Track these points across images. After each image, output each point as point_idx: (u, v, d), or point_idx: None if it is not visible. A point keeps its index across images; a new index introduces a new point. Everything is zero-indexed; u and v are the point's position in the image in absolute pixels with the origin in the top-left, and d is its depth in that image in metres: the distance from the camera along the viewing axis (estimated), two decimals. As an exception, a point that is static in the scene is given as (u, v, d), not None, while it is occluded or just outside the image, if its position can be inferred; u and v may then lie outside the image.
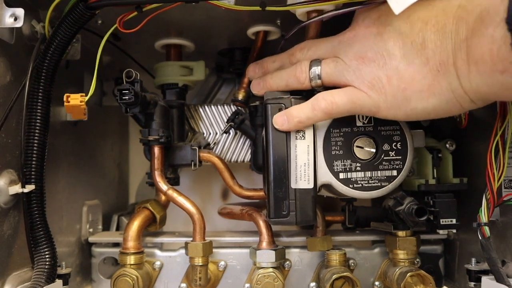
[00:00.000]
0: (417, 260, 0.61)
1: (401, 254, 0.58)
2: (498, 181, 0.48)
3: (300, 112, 0.48)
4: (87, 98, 0.48)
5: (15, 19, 0.46)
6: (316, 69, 0.48)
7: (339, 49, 0.46)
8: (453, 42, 0.38)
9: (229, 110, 0.70)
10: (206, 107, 0.70)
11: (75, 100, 0.48)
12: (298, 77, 0.49)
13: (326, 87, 0.48)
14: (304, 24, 0.51)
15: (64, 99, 0.48)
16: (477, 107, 0.40)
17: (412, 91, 0.41)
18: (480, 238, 0.48)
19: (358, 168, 0.50)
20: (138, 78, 0.55)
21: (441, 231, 0.56)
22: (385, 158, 0.51)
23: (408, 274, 0.55)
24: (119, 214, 0.77)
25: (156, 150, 0.60)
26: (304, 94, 0.51)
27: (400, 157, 0.51)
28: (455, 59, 0.38)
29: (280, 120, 0.49)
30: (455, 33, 0.37)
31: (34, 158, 0.48)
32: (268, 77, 0.53)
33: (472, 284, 0.53)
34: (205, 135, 0.70)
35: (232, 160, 0.69)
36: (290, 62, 0.52)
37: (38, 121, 0.48)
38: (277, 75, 0.52)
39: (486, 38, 0.34)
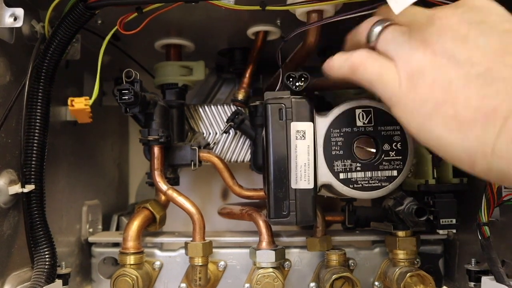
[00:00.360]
0: (417, 260, 0.61)
1: (401, 254, 0.58)
2: (498, 181, 0.48)
3: (337, 58, 0.42)
4: (91, 101, 0.48)
5: (15, 19, 0.46)
6: (377, 29, 0.39)
7: (414, 23, 0.38)
8: None
9: (229, 110, 0.70)
10: (206, 107, 0.70)
11: (80, 104, 0.48)
12: (360, 32, 0.42)
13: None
14: (303, 28, 0.51)
15: (69, 103, 0.48)
16: (487, 179, 0.34)
17: (443, 111, 0.34)
18: (480, 238, 0.48)
19: (358, 168, 0.50)
20: (138, 78, 0.55)
21: (441, 231, 0.56)
22: (385, 158, 0.50)
23: (408, 274, 0.55)
24: (119, 214, 0.77)
25: (156, 150, 0.60)
26: (305, 94, 0.51)
27: (400, 157, 0.51)
28: (509, 114, 0.31)
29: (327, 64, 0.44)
30: None
31: (34, 158, 0.48)
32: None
33: (472, 284, 0.53)
34: (205, 135, 0.70)
35: (232, 160, 0.69)
36: None
37: (38, 121, 0.48)
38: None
39: None
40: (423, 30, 0.36)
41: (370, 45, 0.40)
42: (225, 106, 0.70)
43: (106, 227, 0.75)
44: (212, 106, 0.70)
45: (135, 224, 0.60)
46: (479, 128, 0.32)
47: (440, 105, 0.34)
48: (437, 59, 0.35)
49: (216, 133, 0.70)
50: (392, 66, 0.38)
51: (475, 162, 0.33)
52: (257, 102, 0.63)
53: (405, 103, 0.36)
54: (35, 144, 0.48)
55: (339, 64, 0.42)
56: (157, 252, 0.64)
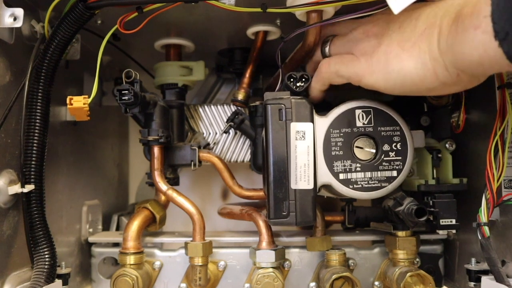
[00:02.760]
0: (417, 260, 0.61)
1: (400, 254, 0.58)
2: (497, 181, 0.48)
3: (313, 82, 0.53)
4: (90, 100, 0.48)
5: (15, 19, 0.46)
6: (327, 44, 0.53)
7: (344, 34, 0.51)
8: (445, 9, 0.39)
9: (229, 110, 0.70)
10: (206, 107, 0.70)
11: (78, 102, 0.48)
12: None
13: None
14: (303, 29, 0.51)
15: (67, 101, 0.48)
16: (451, 80, 0.39)
17: (394, 53, 0.43)
18: (480, 238, 0.48)
19: (358, 169, 0.50)
20: (138, 78, 0.55)
21: (440, 232, 0.56)
22: (385, 158, 0.50)
23: (408, 274, 0.55)
24: (119, 214, 0.77)
25: (156, 150, 0.60)
26: (305, 94, 0.51)
27: (400, 158, 0.51)
28: (441, 22, 0.39)
29: None
30: (450, 5, 0.39)
31: (33, 158, 0.48)
32: None
33: (472, 284, 0.53)
34: (204, 135, 0.70)
35: (232, 160, 0.69)
36: None
37: (37, 121, 0.48)
38: None
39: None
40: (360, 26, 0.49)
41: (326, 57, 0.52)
42: (225, 106, 0.70)
43: (106, 227, 0.75)
44: (212, 106, 0.70)
45: (135, 224, 0.60)
46: (424, 45, 0.40)
47: (390, 52, 0.43)
48: (379, 34, 0.46)
49: (216, 133, 0.70)
50: (349, 56, 0.49)
51: (436, 73, 0.40)
52: (257, 102, 0.63)
53: (367, 71, 0.46)
54: (35, 144, 0.48)
55: (315, 82, 0.52)
56: (157, 252, 0.64)
